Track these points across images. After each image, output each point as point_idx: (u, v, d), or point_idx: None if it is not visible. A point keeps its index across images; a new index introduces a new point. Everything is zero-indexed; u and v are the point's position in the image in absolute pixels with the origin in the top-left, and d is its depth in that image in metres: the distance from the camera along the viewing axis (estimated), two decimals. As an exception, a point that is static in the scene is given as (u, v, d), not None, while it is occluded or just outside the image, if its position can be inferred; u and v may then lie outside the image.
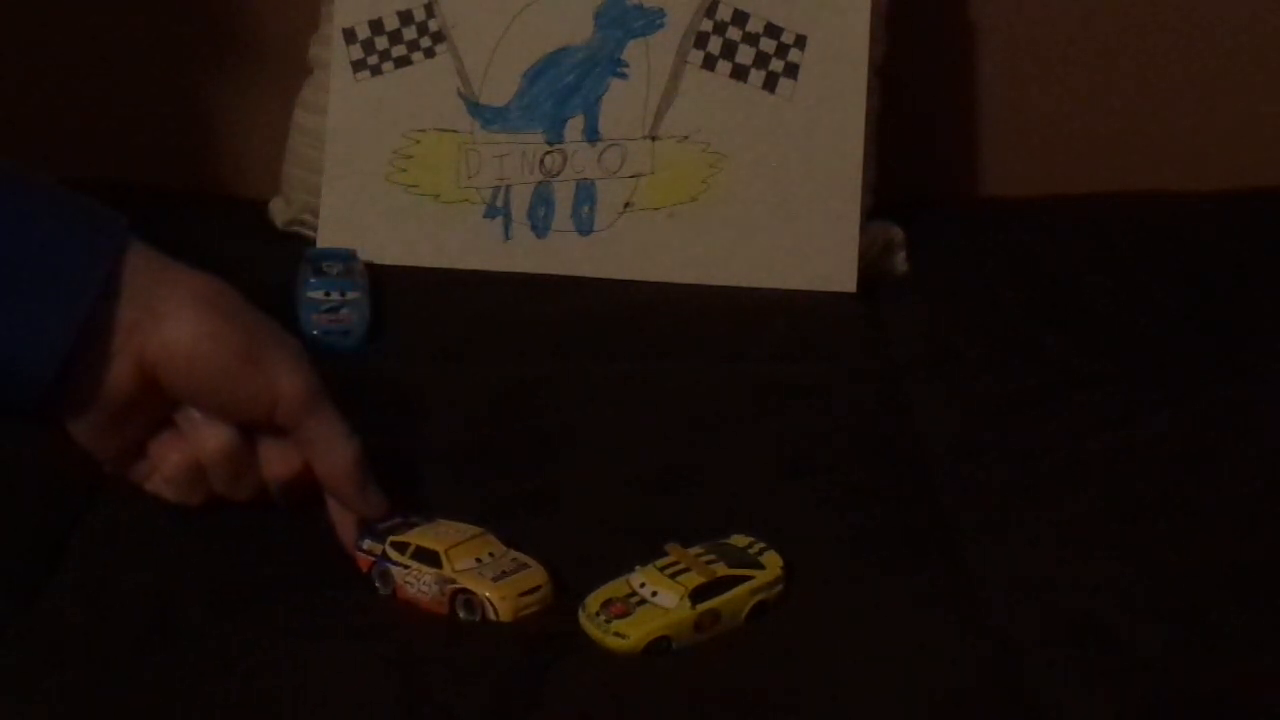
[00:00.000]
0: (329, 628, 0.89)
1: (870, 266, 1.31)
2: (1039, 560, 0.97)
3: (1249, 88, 1.50)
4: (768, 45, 1.30)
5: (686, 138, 1.30)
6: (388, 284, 1.25)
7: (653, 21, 1.30)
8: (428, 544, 0.91)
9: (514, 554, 0.92)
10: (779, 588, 0.92)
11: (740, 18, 1.30)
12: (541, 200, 1.30)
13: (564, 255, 1.30)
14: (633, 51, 1.30)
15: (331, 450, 0.91)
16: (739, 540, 0.94)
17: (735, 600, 0.90)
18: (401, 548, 0.92)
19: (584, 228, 1.30)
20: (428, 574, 0.90)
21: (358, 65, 1.31)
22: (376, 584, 0.92)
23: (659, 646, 0.88)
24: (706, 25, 1.30)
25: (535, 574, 0.91)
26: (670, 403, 1.13)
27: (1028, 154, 1.51)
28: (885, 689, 0.86)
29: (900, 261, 1.34)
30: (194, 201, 1.41)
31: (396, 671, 0.86)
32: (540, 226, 1.30)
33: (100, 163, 1.40)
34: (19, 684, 0.84)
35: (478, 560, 0.91)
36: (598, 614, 0.88)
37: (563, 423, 1.10)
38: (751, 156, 1.30)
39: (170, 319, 0.87)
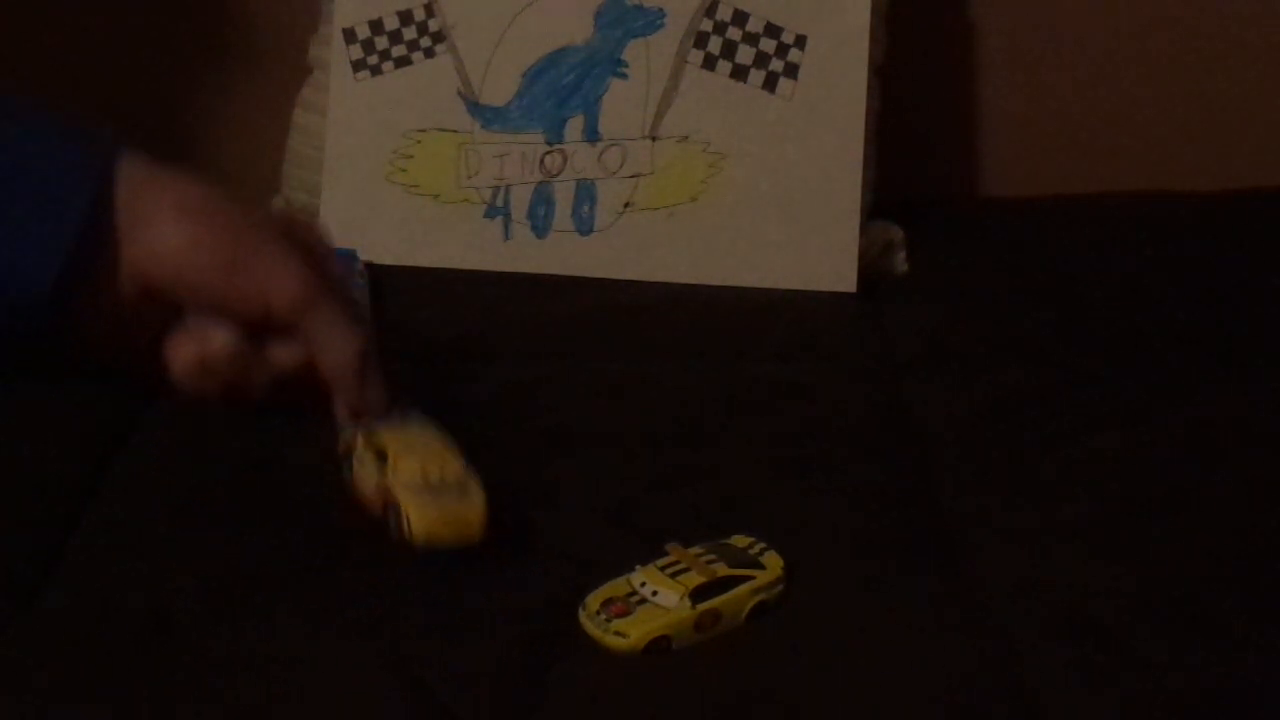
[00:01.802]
0: (329, 627, 0.89)
1: (870, 266, 1.31)
2: (1039, 560, 0.97)
3: (1249, 88, 1.50)
4: (768, 45, 1.30)
5: (686, 138, 1.30)
6: (388, 284, 1.25)
7: (653, 21, 1.30)
8: (387, 445, 0.89)
9: (470, 482, 0.89)
10: (779, 588, 0.92)
11: (740, 18, 1.30)
12: (541, 200, 1.30)
13: (564, 255, 1.30)
14: (633, 51, 1.30)
15: (329, 348, 0.92)
16: (739, 540, 0.94)
17: (736, 600, 0.90)
18: (370, 441, 0.90)
19: (584, 228, 1.30)
20: (374, 475, 0.89)
21: (358, 65, 1.31)
22: (345, 472, 0.91)
23: (659, 646, 0.88)
24: (706, 25, 1.30)
25: (469, 508, 0.88)
26: (670, 403, 1.13)
27: (1028, 154, 1.51)
28: (885, 689, 0.86)
29: (900, 261, 1.34)
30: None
31: (396, 671, 0.86)
32: (540, 226, 1.30)
33: None
34: (19, 684, 0.84)
35: (424, 475, 0.88)
36: (598, 613, 0.88)
37: (562, 422, 1.10)
38: (751, 156, 1.30)
39: (156, 229, 0.88)
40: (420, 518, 0.87)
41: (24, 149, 0.88)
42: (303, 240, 0.93)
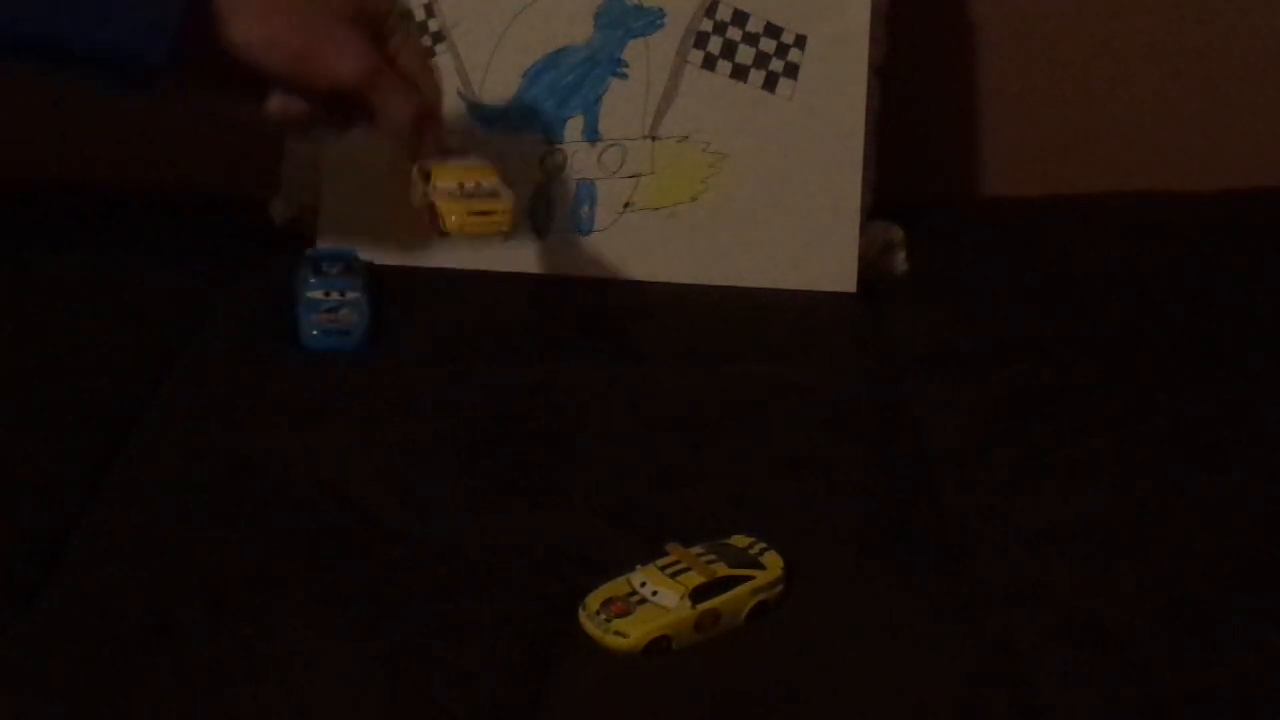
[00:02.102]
0: (328, 627, 0.89)
1: (870, 266, 1.31)
2: (1039, 560, 0.97)
3: (1249, 88, 1.50)
4: (768, 45, 1.30)
5: (686, 138, 1.30)
6: (388, 284, 1.25)
7: (653, 21, 1.30)
8: (434, 170, 1.09)
9: (502, 189, 1.09)
10: (779, 588, 0.92)
11: (740, 18, 1.30)
12: (541, 200, 1.30)
13: (564, 255, 1.30)
14: (633, 51, 1.30)
15: (388, 114, 1.08)
16: (740, 540, 0.94)
17: (736, 600, 0.90)
18: (423, 171, 1.10)
19: (584, 228, 1.30)
20: (422, 191, 1.10)
21: (358, 65, 1.30)
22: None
23: (659, 646, 0.88)
24: (706, 25, 1.30)
25: (498, 205, 1.08)
26: (670, 403, 1.13)
27: (1028, 154, 1.51)
28: (885, 689, 0.87)
29: (900, 261, 1.34)
30: (194, 201, 1.40)
31: (396, 671, 0.86)
32: (540, 226, 1.30)
33: (101, 162, 1.40)
34: (19, 684, 0.85)
35: (460, 184, 1.09)
36: (598, 613, 0.88)
37: (562, 422, 1.10)
38: (751, 156, 1.30)
39: (240, 20, 1.02)
40: (453, 212, 1.08)
41: None
42: (370, 13, 1.07)
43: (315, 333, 1.17)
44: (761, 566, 0.92)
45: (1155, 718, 0.85)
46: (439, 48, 1.30)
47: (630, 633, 0.87)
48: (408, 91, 1.09)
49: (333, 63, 1.06)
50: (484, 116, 1.30)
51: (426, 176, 1.11)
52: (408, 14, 1.15)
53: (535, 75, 1.30)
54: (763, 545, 0.93)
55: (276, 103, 1.08)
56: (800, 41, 1.30)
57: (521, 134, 1.30)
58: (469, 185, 1.09)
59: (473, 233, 1.09)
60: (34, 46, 1.01)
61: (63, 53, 1.01)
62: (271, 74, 1.06)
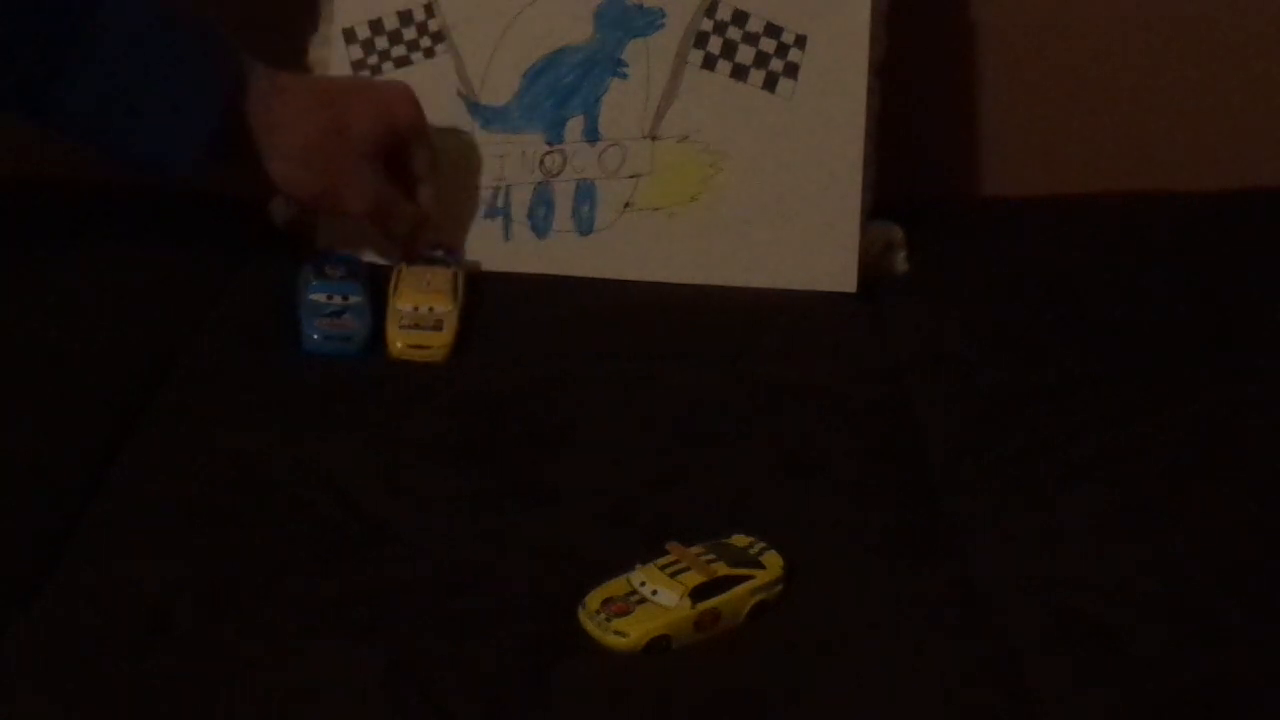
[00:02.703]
0: (328, 627, 0.89)
1: (870, 266, 1.31)
2: (1039, 560, 0.97)
3: (1249, 88, 1.50)
4: (768, 45, 1.30)
5: (686, 138, 1.30)
6: (389, 285, 1.25)
7: (653, 21, 1.30)
8: (403, 280, 1.21)
9: (449, 320, 1.18)
10: (779, 587, 0.92)
11: (740, 17, 1.30)
12: (541, 200, 1.30)
13: (564, 255, 1.30)
14: (633, 51, 1.30)
15: (385, 228, 1.25)
16: (739, 540, 0.94)
17: (735, 599, 0.90)
18: (399, 275, 1.22)
19: (584, 228, 1.30)
20: (392, 290, 1.20)
21: (358, 65, 1.31)
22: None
23: (659, 645, 0.88)
24: (706, 25, 1.30)
25: (437, 339, 1.16)
26: (670, 402, 1.13)
27: (1028, 154, 1.51)
28: (885, 688, 0.87)
29: (900, 261, 1.34)
30: (194, 201, 1.40)
31: (396, 671, 0.86)
32: (540, 226, 1.30)
33: (101, 162, 1.39)
34: (19, 684, 0.85)
35: (415, 308, 1.18)
36: (598, 612, 0.88)
37: (563, 422, 1.10)
38: (751, 156, 1.30)
39: (270, 160, 1.18)
40: (397, 339, 1.17)
41: (176, 58, 1.16)
42: (393, 134, 1.23)
43: (317, 337, 1.17)
44: (761, 566, 0.92)
45: (1155, 718, 0.85)
46: (439, 47, 1.30)
47: (630, 632, 0.87)
48: (406, 211, 1.25)
49: (345, 200, 1.22)
50: (484, 116, 1.30)
51: (398, 283, 1.21)
52: (425, 135, 1.25)
53: (535, 75, 1.30)
54: (763, 545, 0.94)
55: (279, 208, 1.29)
56: (800, 41, 1.30)
57: (521, 134, 1.30)
58: (422, 309, 1.18)
59: (410, 359, 1.16)
60: (78, 141, 1.16)
61: (103, 150, 1.17)
62: (293, 199, 1.25)
